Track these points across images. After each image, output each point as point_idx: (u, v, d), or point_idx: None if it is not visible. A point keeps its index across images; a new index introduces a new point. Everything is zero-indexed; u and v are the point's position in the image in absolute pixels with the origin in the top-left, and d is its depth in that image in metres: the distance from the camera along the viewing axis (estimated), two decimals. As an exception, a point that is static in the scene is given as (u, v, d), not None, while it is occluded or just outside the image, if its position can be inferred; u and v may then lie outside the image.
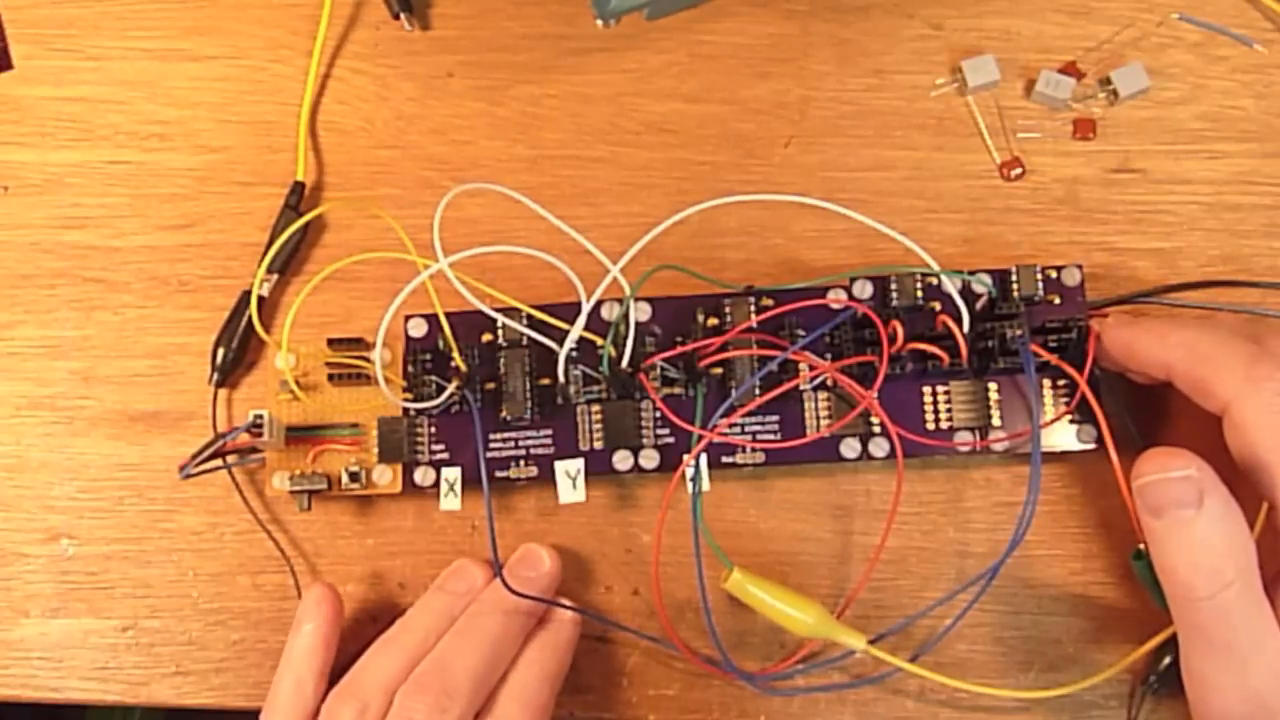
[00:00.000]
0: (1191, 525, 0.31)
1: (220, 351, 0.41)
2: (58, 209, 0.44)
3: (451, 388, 0.39)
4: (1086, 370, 0.38)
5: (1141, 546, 0.34)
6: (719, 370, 0.39)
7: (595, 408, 0.39)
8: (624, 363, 0.38)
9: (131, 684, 0.40)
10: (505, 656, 0.37)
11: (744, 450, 0.39)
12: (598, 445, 0.39)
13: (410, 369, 0.39)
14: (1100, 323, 0.37)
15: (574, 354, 0.38)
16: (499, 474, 0.39)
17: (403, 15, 0.44)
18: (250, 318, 0.40)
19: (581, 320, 0.36)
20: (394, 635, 0.37)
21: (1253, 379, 0.33)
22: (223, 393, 0.42)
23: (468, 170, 0.44)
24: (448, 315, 0.38)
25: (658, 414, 0.39)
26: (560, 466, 0.38)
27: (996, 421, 0.39)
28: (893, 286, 0.39)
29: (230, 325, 0.42)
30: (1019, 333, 0.37)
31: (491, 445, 0.39)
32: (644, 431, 0.39)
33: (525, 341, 0.39)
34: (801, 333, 0.39)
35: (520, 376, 0.39)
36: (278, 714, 0.36)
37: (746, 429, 0.39)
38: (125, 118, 0.44)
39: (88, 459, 0.42)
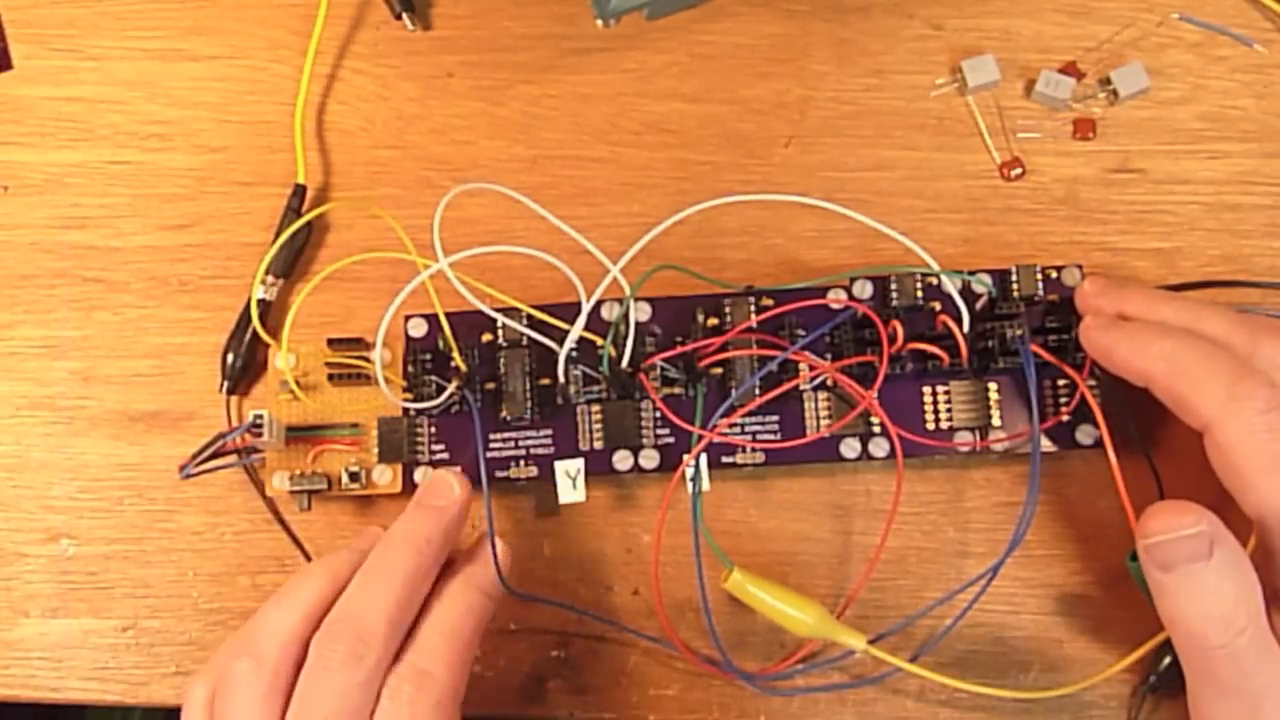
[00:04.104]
0: (1202, 576, 0.31)
1: (230, 358, 0.41)
2: (58, 209, 0.44)
3: (451, 388, 0.39)
4: (1086, 370, 0.38)
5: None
6: (719, 370, 0.39)
7: (595, 408, 0.39)
8: (624, 363, 0.38)
9: (131, 684, 0.40)
10: (419, 591, 0.34)
11: (744, 450, 0.39)
12: (598, 445, 0.39)
13: (410, 369, 0.39)
14: (1081, 322, 0.37)
15: (574, 354, 0.38)
16: (499, 474, 0.39)
17: (404, 15, 0.44)
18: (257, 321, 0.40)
19: (581, 320, 0.36)
20: (286, 589, 0.35)
21: (1235, 397, 0.32)
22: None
23: (468, 170, 0.44)
24: (448, 315, 0.38)
25: (658, 414, 0.39)
26: (560, 466, 0.38)
27: (996, 421, 0.39)
28: (893, 286, 0.39)
29: (239, 331, 0.42)
30: (1019, 333, 0.37)
31: (491, 445, 0.39)
32: (644, 431, 0.39)
33: (525, 341, 0.39)
34: (801, 333, 0.39)
35: (520, 376, 0.39)
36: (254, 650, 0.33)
37: (746, 429, 0.39)
38: (125, 118, 0.44)
39: (88, 459, 0.42)
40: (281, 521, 0.41)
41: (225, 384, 0.41)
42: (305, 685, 0.32)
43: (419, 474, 0.39)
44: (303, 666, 0.33)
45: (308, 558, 0.41)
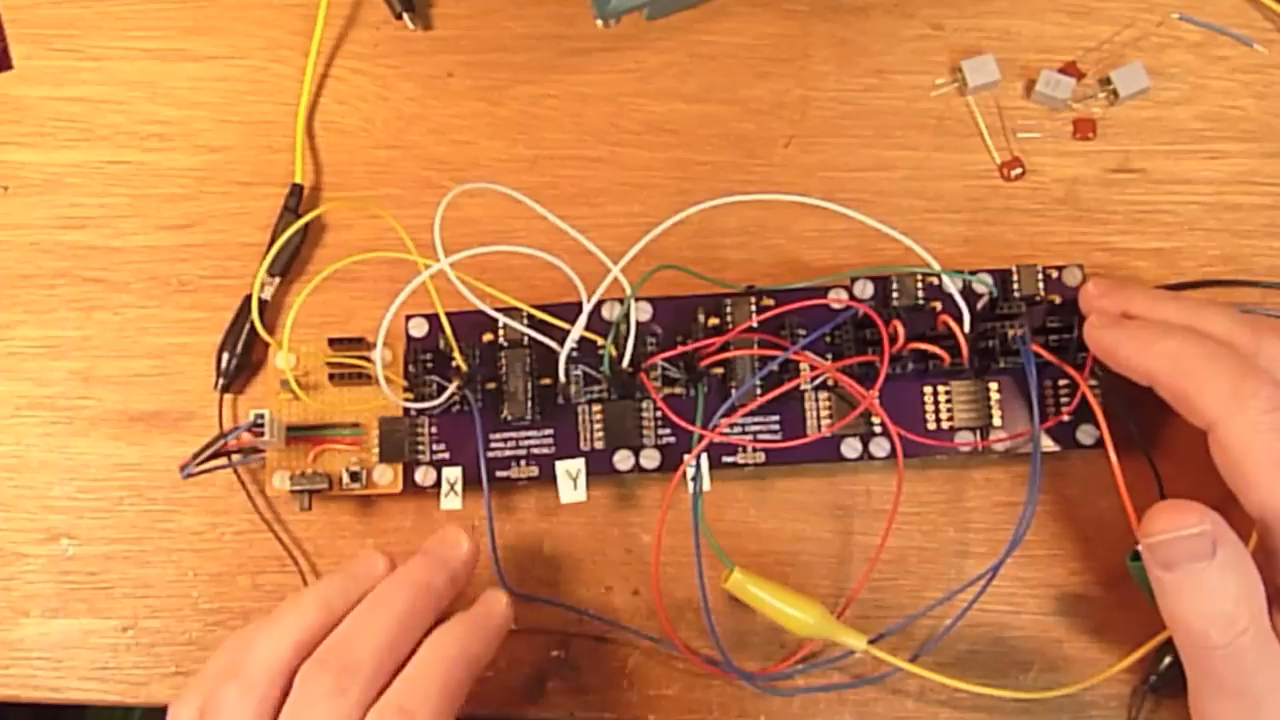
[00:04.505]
0: (1204, 576, 0.31)
1: (225, 357, 0.41)
2: (58, 209, 0.44)
3: (452, 387, 0.39)
4: (1087, 370, 0.38)
5: (1138, 548, 0.34)
6: (720, 370, 0.39)
7: (596, 407, 0.39)
8: (625, 362, 0.38)
9: (131, 684, 0.40)
10: (413, 632, 0.33)
11: (745, 450, 0.39)
12: (598, 445, 0.39)
13: (411, 369, 0.39)
14: (1086, 321, 0.37)
15: (575, 354, 0.38)
16: (500, 474, 0.39)
17: (405, 15, 0.44)
18: (253, 322, 0.40)
19: (582, 320, 0.36)
20: (278, 615, 0.34)
21: (1239, 395, 0.32)
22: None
23: (468, 170, 0.44)
24: (448, 315, 0.38)
25: (658, 414, 0.39)
26: (561, 466, 0.38)
27: (997, 421, 0.39)
28: (893, 286, 0.39)
29: (234, 330, 0.42)
30: (1020, 332, 0.37)
31: (492, 445, 0.39)
32: (645, 431, 0.39)
33: (526, 341, 0.39)
34: (802, 332, 0.39)
35: (521, 376, 0.39)
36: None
37: (747, 429, 0.39)
38: (125, 118, 0.44)
39: (88, 459, 0.42)
40: (272, 528, 0.41)
41: (220, 382, 0.41)
42: (289, 715, 0.32)
43: (419, 474, 0.39)
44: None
45: (293, 559, 0.41)
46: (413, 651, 0.33)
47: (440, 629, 0.34)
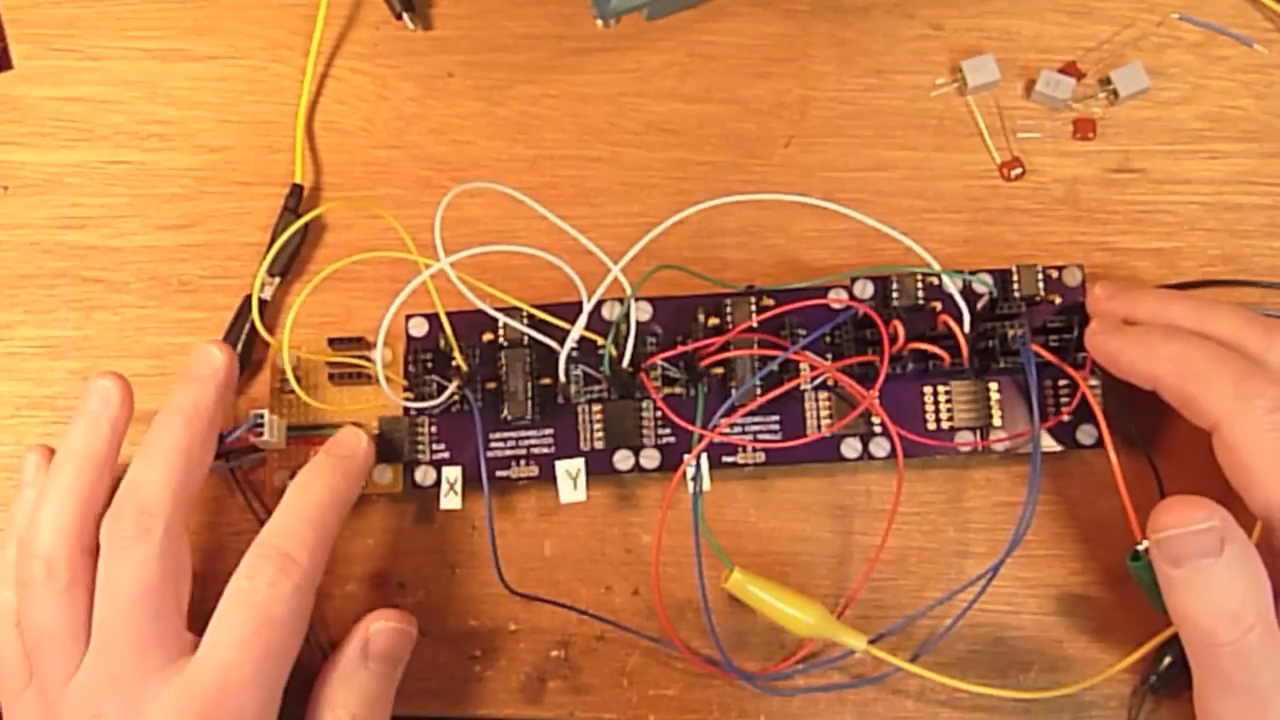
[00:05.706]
0: (1212, 572, 0.31)
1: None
2: (58, 209, 0.44)
3: (452, 387, 0.39)
4: (1087, 370, 0.38)
5: (1139, 548, 0.34)
6: (720, 370, 0.39)
7: (596, 407, 0.39)
8: (625, 362, 0.38)
9: (131, 684, 0.40)
10: (199, 459, 0.35)
11: (745, 450, 0.39)
12: (598, 445, 0.39)
13: (411, 368, 0.39)
14: (1087, 327, 0.37)
15: (575, 354, 0.38)
16: (499, 474, 0.39)
17: (405, 15, 0.44)
18: (253, 322, 0.40)
19: (582, 320, 0.36)
20: (48, 485, 0.35)
21: (1243, 396, 0.32)
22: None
23: (468, 170, 0.44)
24: (449, 315, 0.38)
25: (658, 414, 0.39)
26: (561, 466, 0.38)
27: (997, 421, 0.39)
28: (893, 286, 0.39)
29: (234, 330, 0.42)
30: (1020, 332, 0.37)
31: (492, 445, 0.39)
32: (645, 431, 0.39)
33: (526, 341, 0.39)
34: (802, 332, 0.39)
35: (521, 376, 0.39)
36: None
37: (747, 429, 0.39)
38: (125, 118, 0.44)
39: (88, 459, 0.42)
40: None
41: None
42: (105, 568, 0.33)
43: (419, 474, 0.39)
44: (94, 552, 0.34)
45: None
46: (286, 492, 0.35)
47: (304, 471, 0.36)
